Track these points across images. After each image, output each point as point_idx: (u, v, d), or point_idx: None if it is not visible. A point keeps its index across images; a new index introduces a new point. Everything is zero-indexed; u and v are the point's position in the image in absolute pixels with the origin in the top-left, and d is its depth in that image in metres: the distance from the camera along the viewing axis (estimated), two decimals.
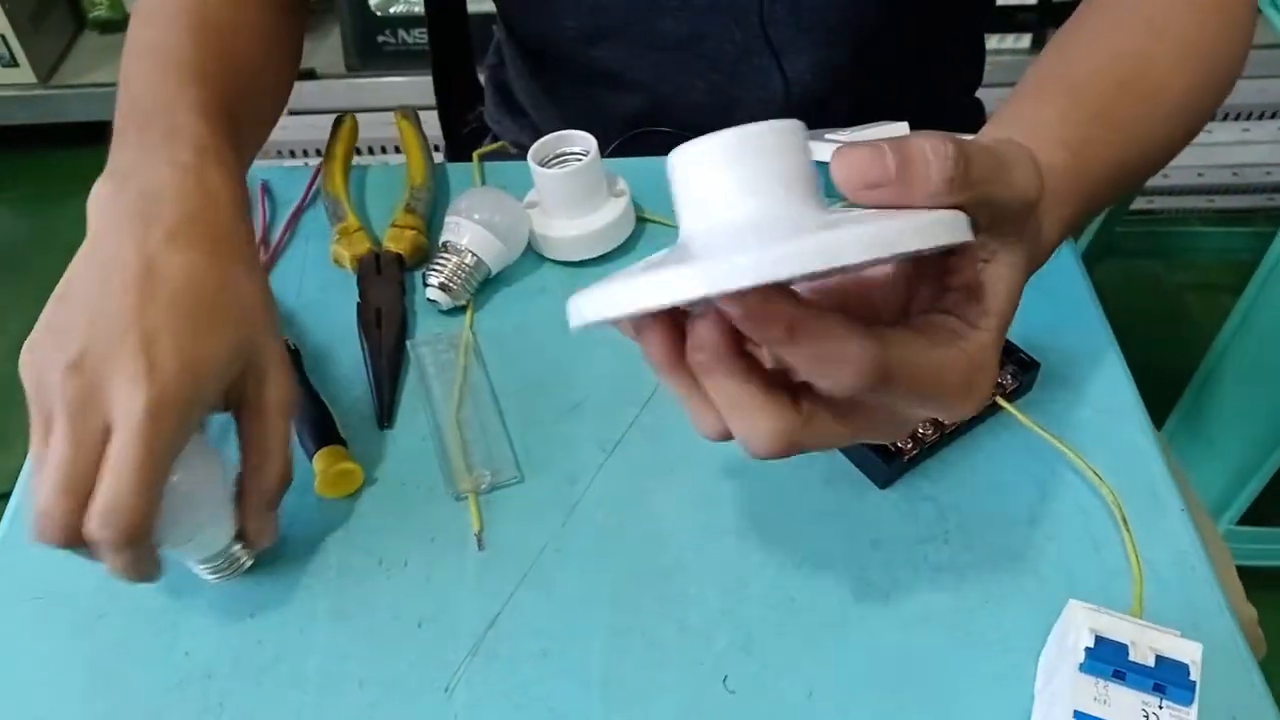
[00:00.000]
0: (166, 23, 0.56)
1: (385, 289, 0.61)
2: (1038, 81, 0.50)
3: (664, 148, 0.74)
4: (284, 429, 0.48)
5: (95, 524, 0.41)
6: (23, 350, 0.44)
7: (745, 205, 0.34)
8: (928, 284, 0.37)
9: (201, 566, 0.49)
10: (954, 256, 0.36)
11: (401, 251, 0.62)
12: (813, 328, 0.32)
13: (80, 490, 0.42)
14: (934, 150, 0.32)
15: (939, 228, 0.32)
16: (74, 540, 0.42)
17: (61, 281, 0.46)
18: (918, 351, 0.35)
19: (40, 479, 0.42)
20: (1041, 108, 0.48)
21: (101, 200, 0.47)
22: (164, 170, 0.47)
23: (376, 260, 0.62)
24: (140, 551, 0.43)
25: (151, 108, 0.51)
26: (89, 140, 2.07)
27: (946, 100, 0.85)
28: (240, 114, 0.54)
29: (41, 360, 0.43)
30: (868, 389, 0.33)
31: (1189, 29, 0.52)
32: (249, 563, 0.50)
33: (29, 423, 0.44)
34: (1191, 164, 1.75)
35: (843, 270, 0.33)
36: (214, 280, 0.46)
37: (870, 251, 0.30)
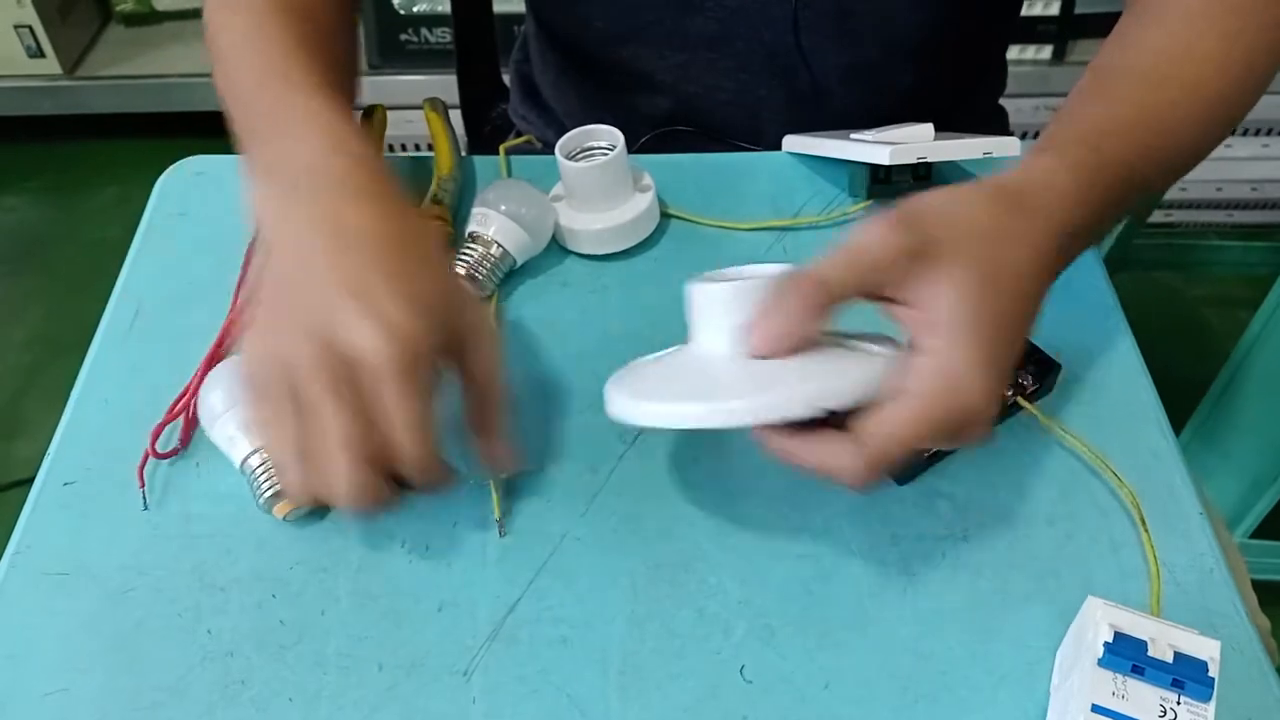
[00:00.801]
0: (250, 11, 0.57)
1: None
2: (1084, 81, 0.54)
3: (690, 147, 0.75)
4: (496, 360, 0.49)
5: (414, 479, 0.45)
6: (245, 348, 0.45)
7: (739, 348, 0.45)
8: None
9: None
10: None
11: None
12: (796, 450, 0.43)
13: (376, 455, 0.43)
14: (799, 302, 0.43)
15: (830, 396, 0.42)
16: (373, 499, 0.44)
17: (253, 284, 0.47)
18: (895, 417, 0.41)
19: (308, 456, 0.43)
20: (1082, 106, 0.52)
21: (266, 198, 0.49)
22: (312, 152, 0.49)
23: None
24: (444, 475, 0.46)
25: (274, 100, 0.52)
26: (113, 132, 2.08)
27: (970, 107, 0.85)
28: (340, 87, 0.56)
29: (274, 348, 0.44)
30: (877, 472, 0.42)
31: (1229, 28, 0.54)
32: None
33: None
34: (1210, 178, 1.75)
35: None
36: (401, 227, 0.47)
37: (798, 409, 0.42)
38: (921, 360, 0.41)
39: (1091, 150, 0.48)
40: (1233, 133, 1.77)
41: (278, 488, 0.51)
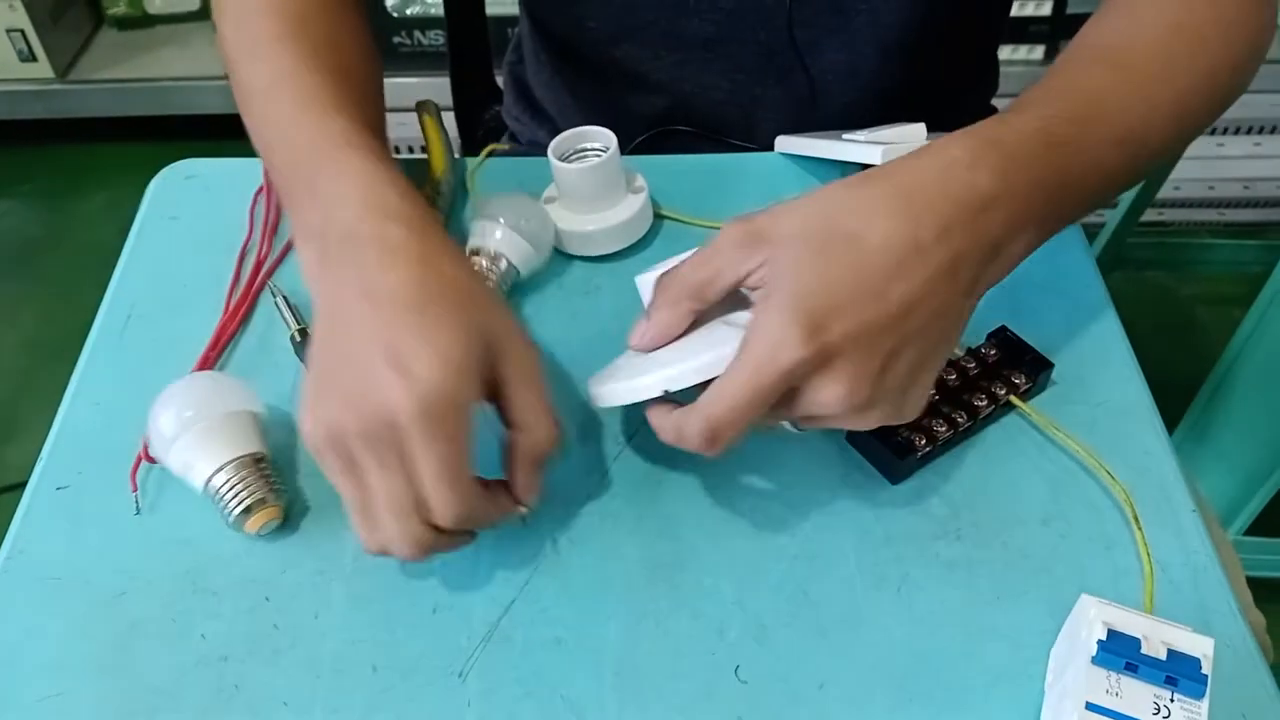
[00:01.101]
0: (277, 56, 0.55)
1: None
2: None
3: (686, 147, 0.75)
4: (541, 394, 0.49)
5: (447, 525, 0.45)
6: (303, 422, 0.46)
7: None
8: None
9: None
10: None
11: None
12: (656, 422, 0.48)
13: (410, 509, 0.45)
14: (664, 302, 0.49)
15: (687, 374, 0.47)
16: (426, 548, 0.46)
17: (310, 354, 0.48)
18: (721, 386, 0.44)
19: (368, 515, 0.46)
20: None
21: (312, 268, 0.49)
22: (349, 215, 0.48)
23: None
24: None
25: (310, 155, 0.51)
26: (105, 135, 2.08)
27: (964, 107, 0.85)
28: (374, 124, 0.55)
29: (324, 417, 0.45)
30: (714, 437, 0.45)
31: (1180, 20, 0.55)
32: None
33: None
34: (1202, 177, 1.75)
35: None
36: (430, 281, 0.46)
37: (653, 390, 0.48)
38: (748, 331, 0.44)
39: (998, 121, 0.49)
40: (1224, 131, 1.78)
41: (246, 503, 0.50)
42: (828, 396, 0.44)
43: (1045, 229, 0.50)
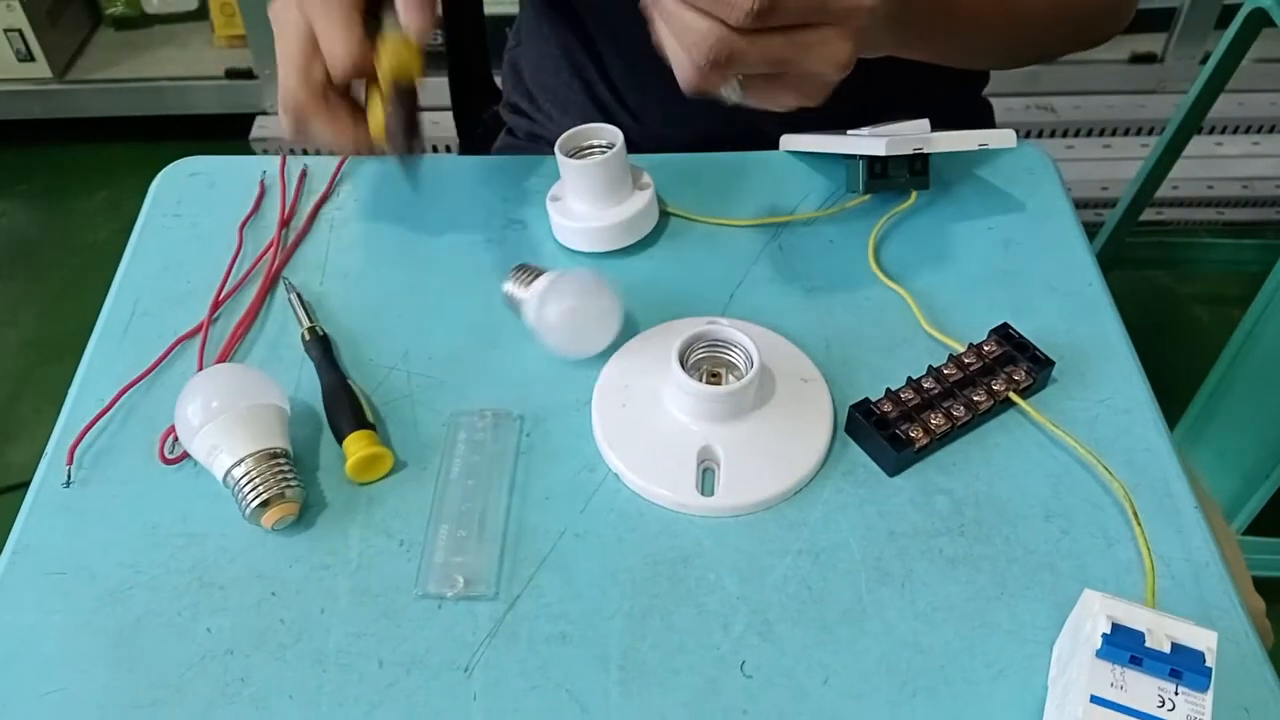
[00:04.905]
0: None
1: None
2: None
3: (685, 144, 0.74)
4: None
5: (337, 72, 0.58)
6: None
7: None
8: None
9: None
10: None
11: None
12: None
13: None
14: None
15: None
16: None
17: None
18: None
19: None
20: None
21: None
22: None
23: None
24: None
25: None
26: (104, 136, 2.08)
27: (955, 96, 0.85)
28: None
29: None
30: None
31: None
32: None
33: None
34: (1201, 176, 1.76)
35: None
36: None
37: None
38: None
39: None
40: (1223, 130, 1.78)
41: (264, 497, 0.50)
42: (837, 55, 0.47)
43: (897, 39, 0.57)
